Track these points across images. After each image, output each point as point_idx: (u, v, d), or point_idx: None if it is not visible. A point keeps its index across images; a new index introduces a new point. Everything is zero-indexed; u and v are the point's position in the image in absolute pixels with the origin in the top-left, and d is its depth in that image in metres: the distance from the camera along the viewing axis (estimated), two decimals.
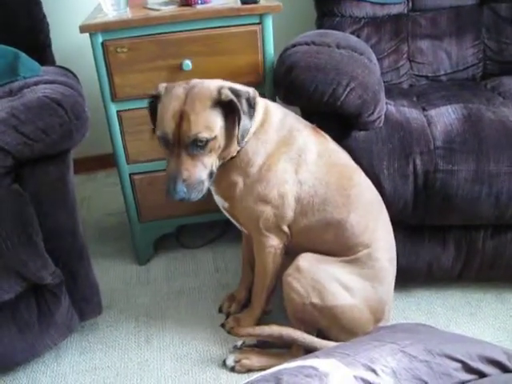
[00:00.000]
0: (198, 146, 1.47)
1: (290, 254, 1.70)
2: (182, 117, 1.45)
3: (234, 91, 1.49)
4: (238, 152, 1.60)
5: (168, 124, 1.47)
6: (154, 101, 1.56)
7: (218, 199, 1.73)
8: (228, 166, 1.61)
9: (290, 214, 1.63)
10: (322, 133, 1.68)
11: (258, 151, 1.60)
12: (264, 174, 1.60)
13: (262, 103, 1.62)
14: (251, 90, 1.55)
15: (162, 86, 1.55)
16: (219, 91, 1.48)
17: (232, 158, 1.60)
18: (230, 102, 1.47)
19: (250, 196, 1.62)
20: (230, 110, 1.49)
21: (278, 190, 1.60)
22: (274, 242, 1.67)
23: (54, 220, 1.67)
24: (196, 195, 1.51)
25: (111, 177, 2.95)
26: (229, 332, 1.87)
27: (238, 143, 1.52)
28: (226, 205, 1.70)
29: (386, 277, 1.67)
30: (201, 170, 1.50)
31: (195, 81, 1.53)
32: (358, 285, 1.61)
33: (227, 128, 1.51)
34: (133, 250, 2.33)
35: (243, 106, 1.49)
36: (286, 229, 1.65)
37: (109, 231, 2.56)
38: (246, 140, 1.55)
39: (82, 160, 2.90)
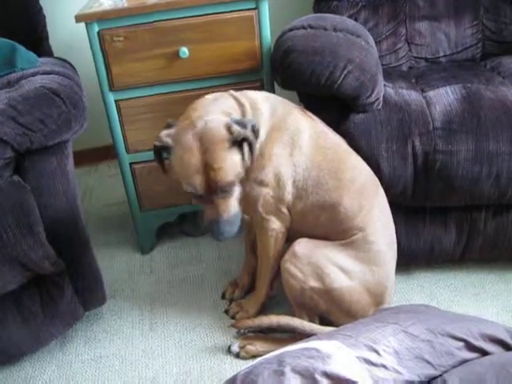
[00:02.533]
0: (228, 188, 1.48)
1: (289, 240, 1.70)
2: (206, 167, 1.43)
3: (240, 124, 1.46)
4: None
5: (195, 179, 1.44)
6: (160, 151, 1.53)
7: None
8: None
9: (287, 196, 1.63)
10: (310, 114, 1.68)
11: None
12: (260, 161, 1.59)
13: (246, 97, 1.60)
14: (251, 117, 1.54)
15: (167, 137, 1.49)
16: (229, 130, 1.44)
17: None
18: (243, 139, 1.46)
19: (247, 181, 1.62)
20: (241, 141, 1.48)
21: (273, 174, 1.60)
22: (275, 226, 1.67)
23: (55, 210, 1.68)
24: (237, 226, 1.53)
25: (113, 168, 2.95)
26: (232, 317, 1.88)
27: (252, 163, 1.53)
28: None
29: (384, 260, 1.67)
30: (235, 206, 1.52)
31: (198, 121, 1.46)
32: (355, 267, 1.62)
33: (243, 157, 1.50)
34: (135, 239, 2.34)
35: (252, 137, 1.48)
36: (285, 211, 1.66)
37: (111, 221, 2.57)
38: None
39: (83, 152, 2.90)
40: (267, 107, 1.61)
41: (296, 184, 1.62)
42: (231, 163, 1.45)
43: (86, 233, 1.79)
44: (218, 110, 1.50)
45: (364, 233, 1.63)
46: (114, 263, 2.27)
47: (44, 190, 1.64)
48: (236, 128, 1.44)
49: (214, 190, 1.45)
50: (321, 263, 1.60)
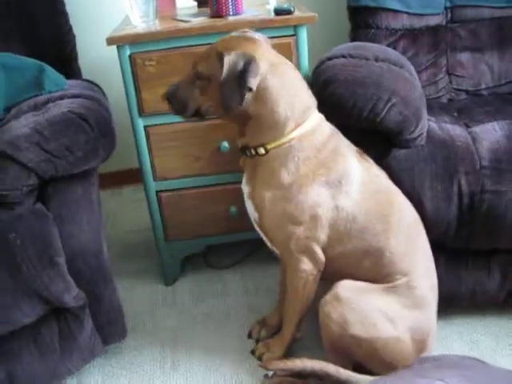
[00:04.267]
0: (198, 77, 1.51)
1: (324, 279, 1.60)
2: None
3: (230, 47, 1.46)
4: (267, 152, 1.52)
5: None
6: None
7: (249, 207, 1.63)
8: (258, 163, 1.55)
9: (323, 237, 1.53)
10: (367, 157, 1.58)
11: (287, 166, 1.51)
12: (294, 194, 1.50)
13: (314, 116, 1.54)
14: (262, 60, 1.46)
15: None
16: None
17: (261, 155, 1.53)
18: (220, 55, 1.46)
19: (278, 215, 1.53)
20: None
21: (309, 213, 1.50)
22: (306, 267, 1.57)
23: (78, 241, 1.60)
24: (177, 106, 1.57)
25: (138, 192, 2.88)
26: (259, 359, 1.77)
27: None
28: (256, 215, 1.61)
29: (428, 305, 1.56)
30: (191, 93, 1.54)
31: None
32: (400, 315, 1.50)
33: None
34: (159, 269, 2.25)
35: (230, 71, 1.43)
36: (319, 251, 1.55)
37: (134, 249, 2.48)
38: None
39: (108, 175, 2.86)
40: (322, 139, 1.52)
41: (337, 227, 1.51)
42: (210, 61, 1.50)
43: (109, 265, 1.71)
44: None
45: (408, 278, 1.52)
46: (135, 294, 2.18)
47: (67, 219, 1.57)
48: (231, 52, 1.45)
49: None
50: (366, 310, 1.48)
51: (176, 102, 1.56)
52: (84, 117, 1.53)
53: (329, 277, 1.58)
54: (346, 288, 1.51)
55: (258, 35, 1.55)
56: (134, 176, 2.82)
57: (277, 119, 1.49)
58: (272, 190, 1.53)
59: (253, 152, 1.55)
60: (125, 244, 2.53)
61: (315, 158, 1.50)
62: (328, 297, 1.52)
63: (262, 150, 1.53)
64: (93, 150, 1.54)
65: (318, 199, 1.49)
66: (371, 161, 1.58)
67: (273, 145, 1.51)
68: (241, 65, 1.43)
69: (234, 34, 1.56)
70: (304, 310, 1.66)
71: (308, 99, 1.53)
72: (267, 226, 1.59)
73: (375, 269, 1.53)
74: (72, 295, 1.59)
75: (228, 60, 1.44)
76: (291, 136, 1.50)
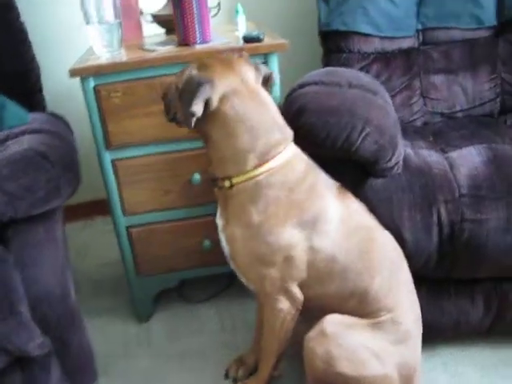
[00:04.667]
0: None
1: (305, 316, 1.53)
2: None
3: (201, 66, 1.41)
4: (233, 186, 1.43)
5: None
6: None
7: (223, 241, 1.53)
8: (228, 196, 1.46)
9: (300, 277, 1.45)
10: (347, 192, 1.50)
11: (256, 205, 1.41)
12: (264, 235, 1.41)
13: (286, 152, 1.43)
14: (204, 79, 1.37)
15: None
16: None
17: (227, 189, 1.45)
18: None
19: (249, 255, 1.45)
20: None
21: (282, 255, 1.41)
22: (284, 306, 1.48)
23: (42, 285, 1.51)
24: (164, 106, 1.52)
25: (110, 223, 2.78)
26: None
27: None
28: (229, 250, 1.53)
29: (413, 339, 1.50)
30: (173, 97, 1.46)
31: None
32: (387, 351, 1.43)
33: None
34: (132, 305, 2.16)
35: (182, 90, 1.39)
36: (297, 292, 1.47)
37: (106, 284, 2.39)
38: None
39: (79, 206, 2.78)
40: (295, 178, 1.42)
41: (315, 268, 1.43)
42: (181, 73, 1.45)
43: (77, 307, 1.63)
44: None
45: (393, 314, 1.45)
46: (107, 333, 2.08)
47: (29, 263, 1.47)
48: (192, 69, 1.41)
49: None
50: (353, 346, 1.40)
51: (165, 101, 1.51)
52: (45, 154, 1.45)
53: (311, 314, 1.50)
54: (332, 323, 1.43)
55: (245, 59, 1.47)
56: (105, 206, 2.74)
57: (235, 152, 1.40)
58: (241, 228, 1.44)
59: (220, 184, 1.47)
60: (96, 279, 2.44)
61: (286, 197, 1.41)
62: (313, 332, 1.44)
63: (227, 184, 1.44)
64: (55, 189, 1.45)
65: (291, 241, 1.40)
66: (351, 196, 1.51)
67: (237, 179, 1.42)
68: (193, 85, 1.35)
69: (225, 53, 1.50)
70: (281, 348, 1.59)
71: (277, 134, 1.42)
72: (239, 264, 1.51)
73: (359, 307, 1.46)
74: (37, 343, 1.49)
75: (186, 77, 1.39)
76: (256, 172, 1.40)
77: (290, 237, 1.40)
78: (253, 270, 1.47)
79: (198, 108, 1.35)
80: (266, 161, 1.40)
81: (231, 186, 1.44)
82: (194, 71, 1.39)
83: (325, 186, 1.46)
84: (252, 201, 1.42)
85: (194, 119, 1.36)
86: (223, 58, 1.45)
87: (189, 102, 1.34)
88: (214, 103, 1.36)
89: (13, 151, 1.47)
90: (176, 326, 2.09)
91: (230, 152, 1.41)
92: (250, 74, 1.43)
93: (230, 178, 1.43)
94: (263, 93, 1.44)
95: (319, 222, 1.41)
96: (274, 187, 1.40)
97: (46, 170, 1.44)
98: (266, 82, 1.49)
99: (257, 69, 1.46)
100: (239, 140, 1.38)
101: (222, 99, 1.37)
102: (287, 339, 1.55)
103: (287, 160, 1.42)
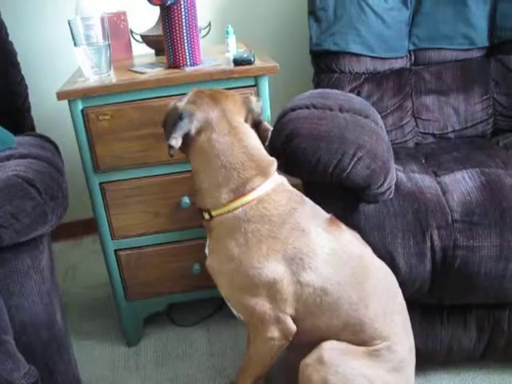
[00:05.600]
0: None
1: (297, 343, 1.49)
2: None
3: (193, 96, 1.44)
4: (212, 218, 1.43)
5: None
6: None
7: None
8: (211, 227, 1.45)
9: (288, 310, 1.40)
10: (338, 224, 1.45)
11: (235, 237, 1.38)
12: (245, 268, 1.37)
13: (265, 186, 1.40)
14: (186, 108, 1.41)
15: None
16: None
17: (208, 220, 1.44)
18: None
19: (233, 287, 1.42)
20: None
21: (266, 287, 1.37)
22: (274, 335, 1.43)
23: (28, 313, 1.48)
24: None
25: (98, 242, 2.75)
26: None
27: None
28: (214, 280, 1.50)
29: (407, 367, 1.47)
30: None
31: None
32: (383, 380, 1.40)
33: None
34: (120, 328, 2.13)
35: (165, 120, 1.45)
36: (289, 322, 1.42)
37: (94, 306, 2.35)
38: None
39: (66, 225, 2.73)
40: (277, 212, 1.38)
41: (304, 302, 1.39)
42: None
43: (64, 334, 1.59)
44: None
45: (389, 342, 1.42)
46: (95, 357, 2.04)
47: (15, 292, 1.45)
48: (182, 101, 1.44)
49: None
50: (350, 375, 1.36)
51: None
52: (31, 181, 1.43)
53: (304, 342, 1.47)
54: (329, 350, 1.39)
55: (240, 97, 1.49)
56: (94, 226, 2.70)
57: (210, 185, 1.40)
58: (222, 260, 1.41)
59: (202, 215, 1.46)
60: (85, 301, 2.40)
61: (269, 230, 1.36)
62: (310, 359, 1.40)
63: (206, 215, 1.43)
64: (41, 216, 1.43)
65: (274, 275, 1.36)
66: (343, 226, 1.46)
67: (215, 212, 1.41)
68: (175, 118, 1.39)
69: (218, 89, 1.52)
70: (263, 374, 1.54)
71: (252, 171, 1.39)
72: (226, 295, 1.48)
73: (354, 337, 1.42)
74: (22, 373, 1.45)
75: (170, 107, 1.43)
76: (231, 206, 1.38)
77: (273, 271, 1.35)
78: (240, 300, 1.43)
79: (175, 141, 1.38)
80: (242, 195, 1.38)
81: (211, 217, 1.43)
82: (180, 103, 1.42)
83: (311, 220, 1.41)
84: (231, 233, 1.39)
85: (173, 150, 1.40)
86: (215, 92, 1.46)
87: (168, 134, 1.39)
88: (192, 135, 1.40)
89: None
90: (165, 349, 2.05)
91: (206, 185, 1.41)
92: (235, 110, 1.44)
93: (208, 209, 1.43)
94: (245, 129, 1.43)
95: (306, 257, 1.36)
96: (254, 221, 1.37)
97: (32, 197, 1.41)
98: (258, 124, 1.51)
99: (250, 110, 1.48)
100: (213, 173, 1.39)
101: (200, 132, 1.39)
102: (271, 365, 1.51)
103: (266, 193, 1.39)
